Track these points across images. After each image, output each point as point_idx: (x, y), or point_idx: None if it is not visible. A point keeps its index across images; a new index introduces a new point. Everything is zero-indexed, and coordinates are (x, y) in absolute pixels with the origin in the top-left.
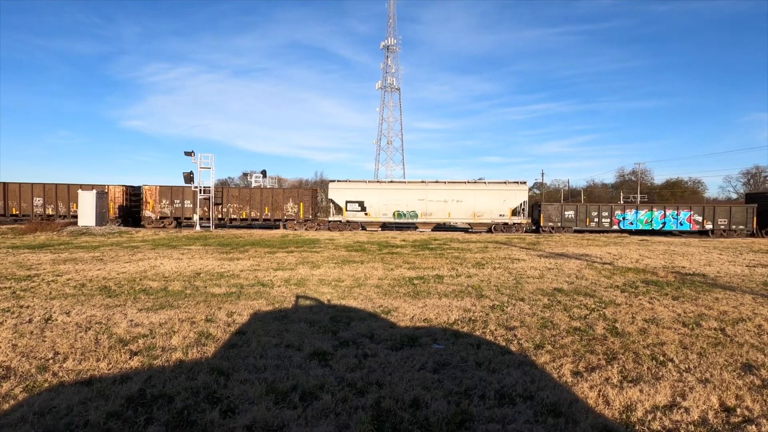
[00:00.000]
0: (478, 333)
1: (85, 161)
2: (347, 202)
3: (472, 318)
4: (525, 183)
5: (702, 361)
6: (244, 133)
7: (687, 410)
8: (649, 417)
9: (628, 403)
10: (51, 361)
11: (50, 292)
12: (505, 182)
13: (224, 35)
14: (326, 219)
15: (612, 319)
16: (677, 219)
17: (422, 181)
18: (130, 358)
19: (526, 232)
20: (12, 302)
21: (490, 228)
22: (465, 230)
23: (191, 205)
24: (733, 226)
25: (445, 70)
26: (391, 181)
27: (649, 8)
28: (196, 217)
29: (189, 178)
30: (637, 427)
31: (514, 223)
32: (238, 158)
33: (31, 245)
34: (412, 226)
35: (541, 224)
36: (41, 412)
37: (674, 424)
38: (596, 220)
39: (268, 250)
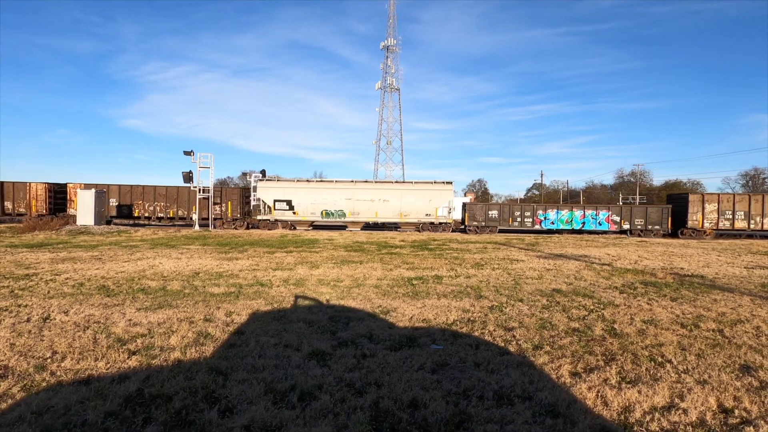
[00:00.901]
0: (476, 333)
1: (84, 160)
2: (275, 201)
3: (471, 318)
4: (451, 183)
5: (700, 363)
6: (243, 133)
7: (685, 411)
8: (648, 418)
9: (627, 404)
10: (49, 360)
11: (48, 291)
12: (431, 182)
13: (224, 34)
14: (256, 218)
15: (610, 320)
16: (596, 219)
17: (351, 181)
18: (128, 358)
19: (453, 231)
20: (10, 301)
21: (418, 227)
22: (395, 228)
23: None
24: (649, 226)
25: (445, 70)
26: (319, 180)
27: (649, 9)
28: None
29: (188, 177)
30: (635, 428)
31: (441, 223)
32: (237, 158)
33: (29, 244)
34: (341, 226)
35: (466, 223)
36: (39, 411)
37: (672, 425)
38: (519, 219)
39: (267, 250)
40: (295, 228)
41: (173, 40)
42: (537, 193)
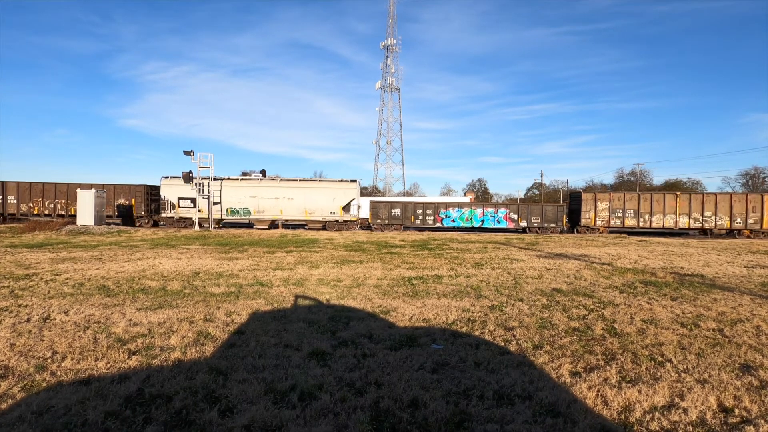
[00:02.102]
0: (476, 333)
1: (83, 160)
2: (179, 198)
3: (471, 318)
4: (356, 181)
5: (700, 362)
6: (243, 133)
7: (685, 411)
8: (648, 417)
9: (627, 403)
10: (49, 360)
11: (49, 291)
12: (336, 181)
13: (223, 34)
14: (161, 215)
15: (611, 320)
16: (495, 217)
17: (257, 179)
18: (128, 358)
19: (361, 229)
20: (10, 301)
21: (324, 225)
22: (302, 226)
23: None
24: (545, 224)
25: (445, 70)
26: (224, 178)
27: (649, 9)
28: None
29: (188, 177)
30: (635, 428)
31: (345, 221)
32: (237, 157)
33: (29, 244)
34: (247, 224)
35: (370, 221)
36: (39, 411)
37: (672, 424)
38: (421, 217)
39: (267, 249)
40: (202, 226)
41: (172, 40)
42: (537, 192)
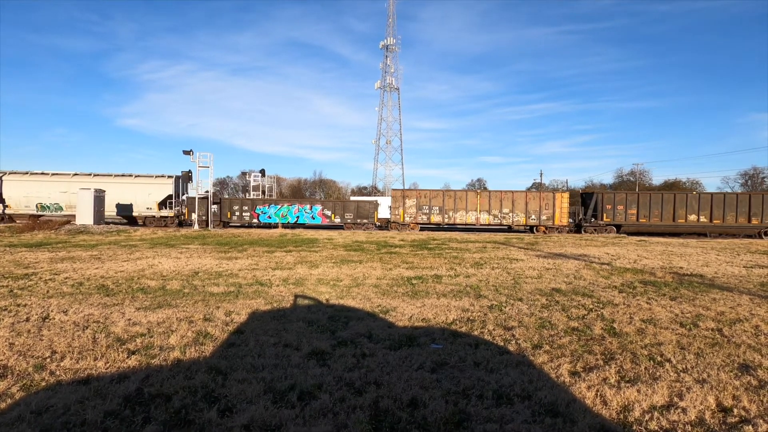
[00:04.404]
0: (476, 333)
1: (82, 160)
2: None
3: (471, 318)
4: (171, 177)
5: (699, 362)
6: (242, 132)
7: (684, 410)
8: (647, 417)
9: (626, 403)
10: (48, 359)
11: (48, 291)
12: (152, 176)
13: (222, 33)
14: None
15: (610, 320)
16: (309, 213)
17: (73, 174)
18: (127, 357)
19: (179, 225)
20: (9, 301)
21: (144, 221)
22: (122, 223)
23: None
24: (358, 220)
25: (445, 69)
26: (34, 173)
27: (649, 8)
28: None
29: (188, 177)
30: (634, 427)
31: (162, 217)
32: (236, 157)
33: (28, 244)
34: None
35: (186, 218)
36: (38, 411)
37: (671, 424)
38: (237, 213)
39: (267, 249)
40: (13, 221)
41: (171, 39)
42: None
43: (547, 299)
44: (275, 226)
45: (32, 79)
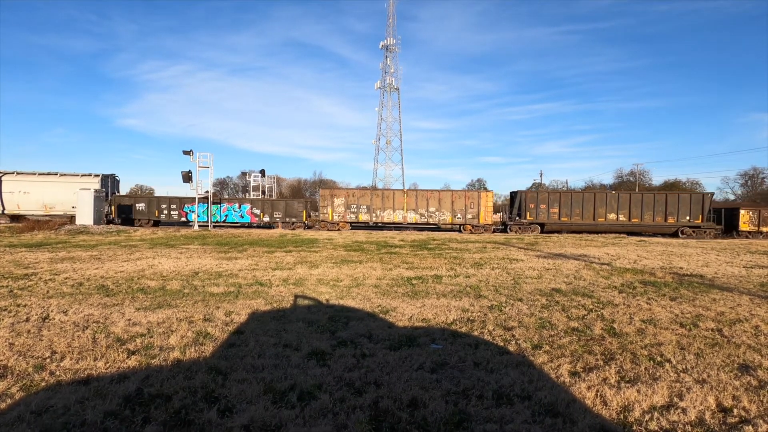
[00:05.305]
0: (476, 333)
1: (81, 160)
2: None
3: (471, 318)
4: (98, 176)
5: (699, 362)
6: (241, 132)
7: (684, 410)
8: (647, 417)
9: (626, 403)
10: (48, 360)
11: (48, 291)
12: (77, 174)
13: (221, 33)
14: None
15: (610, 320)
16: (239, 212)
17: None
18: (127, 358)
19: (108, 223)
20: (9, 301)
21: (71, 219)
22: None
23: None
24: (287, 219)
25: (445, 69)
26: None
27: (649, 8)
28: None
29: (187, 177)
30: (634, 428)
31: None
32: (236, 157)
33: (28, 244)
34: None
35: (113, 216)
36: (38, 411)
37: (671, 424)
38: (166, 212)
39: (267, 249)
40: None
41: (170, 39)
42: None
43: (547, 299)
44: (202, 225)
45: (32, 79)
